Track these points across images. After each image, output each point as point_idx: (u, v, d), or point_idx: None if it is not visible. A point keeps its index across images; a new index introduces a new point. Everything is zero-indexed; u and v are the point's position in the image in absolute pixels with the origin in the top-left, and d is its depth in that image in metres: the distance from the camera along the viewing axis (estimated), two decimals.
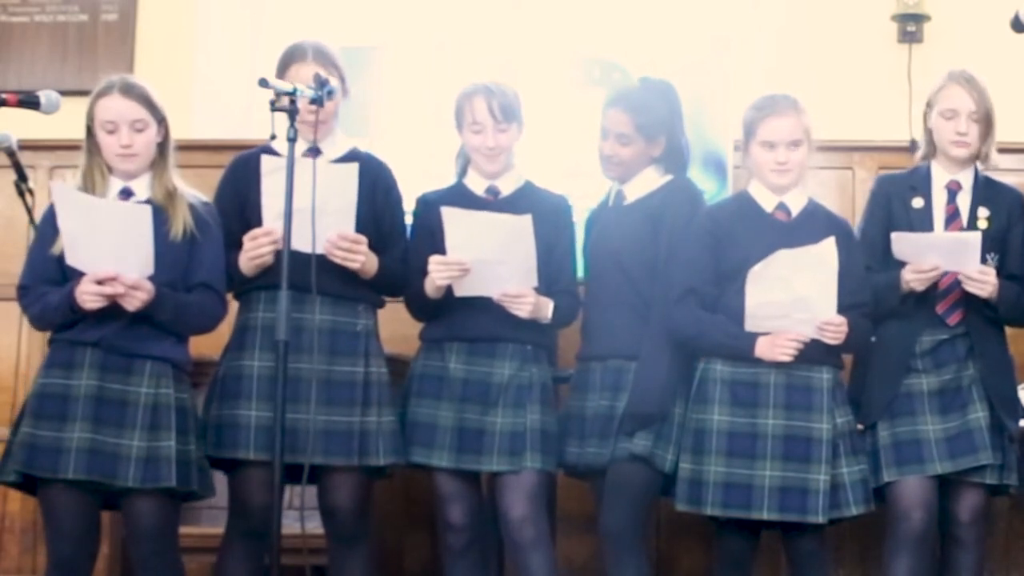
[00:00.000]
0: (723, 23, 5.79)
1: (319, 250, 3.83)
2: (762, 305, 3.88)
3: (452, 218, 3.94)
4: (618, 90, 4.23)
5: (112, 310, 3.74)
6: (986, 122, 4.06)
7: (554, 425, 4.07)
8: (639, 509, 4.01)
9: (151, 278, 3.74)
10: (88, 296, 3.70)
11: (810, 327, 3.88)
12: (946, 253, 3.96)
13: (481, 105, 4.07)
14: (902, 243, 4.01)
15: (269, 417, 3.84)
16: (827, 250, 3.87)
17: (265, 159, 3.90)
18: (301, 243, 3.77)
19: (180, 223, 3.83)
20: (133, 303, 3.72)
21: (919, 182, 4.14)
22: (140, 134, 3.84)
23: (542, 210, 4.04)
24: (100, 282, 3.69)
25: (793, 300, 3.86)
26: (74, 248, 3.74)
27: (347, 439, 3.91)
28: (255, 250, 3.92)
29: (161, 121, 3.89)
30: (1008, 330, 4.16)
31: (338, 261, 3.91)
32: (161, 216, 3.81)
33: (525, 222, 3.91)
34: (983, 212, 4.09)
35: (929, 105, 4.14)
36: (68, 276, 3.79)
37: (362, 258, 3.94)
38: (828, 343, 3.89)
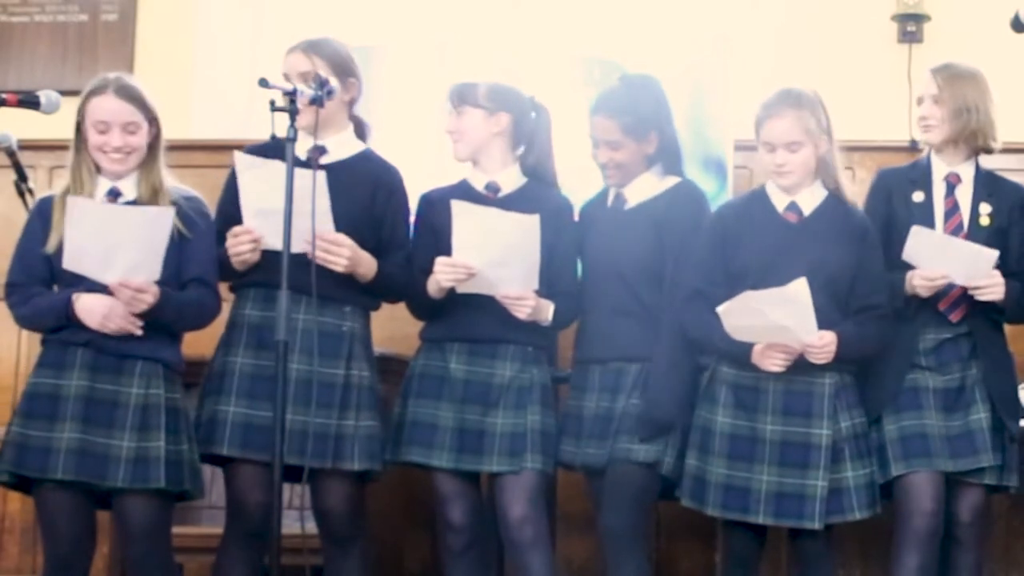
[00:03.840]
0: (723, 23, 5.79)
1: (296, 249, 3.77)
2: (739, 329, 3.83)
3: (461, 212, 3.92)
4: (599, 95, 4.18)
5: None
6: (957, 110, 4.02)
7: (554, 426, 4.07)
8: (639, 509, 4.00)
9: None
10: (86, 312, 3.69)
11: (798, 345, 3.83)
12: (960, 262, 3.89)
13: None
14: (919, 239, 3.91)
15: (247, 414, 3.87)
16: (798, 291, 3.74)
17: (238, 156, 3.88)
18: (276, 242, 3.73)
19: None
20: (139, 307, 3.71)
21: (919, 175, 4.11)
22: (132, 136, 3.81)
23: (543, 210, 4.01)
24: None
25: (771, 327, 3.79)
26: (77, 255, 3.69)
27: (322, 441, 3.89)
28: (235, 247, 3.91)
29: (152, 120, 3.85)
30: (1008, 328, 4.14)
31: (318, 261, 3.88)
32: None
33: (533, 222, 3.89)
34: (985, 208, 4.04)
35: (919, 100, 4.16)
36: (57, 276, 3.78)
37: (344, 260, 3.91)
38: (815, 363, 3.84)
